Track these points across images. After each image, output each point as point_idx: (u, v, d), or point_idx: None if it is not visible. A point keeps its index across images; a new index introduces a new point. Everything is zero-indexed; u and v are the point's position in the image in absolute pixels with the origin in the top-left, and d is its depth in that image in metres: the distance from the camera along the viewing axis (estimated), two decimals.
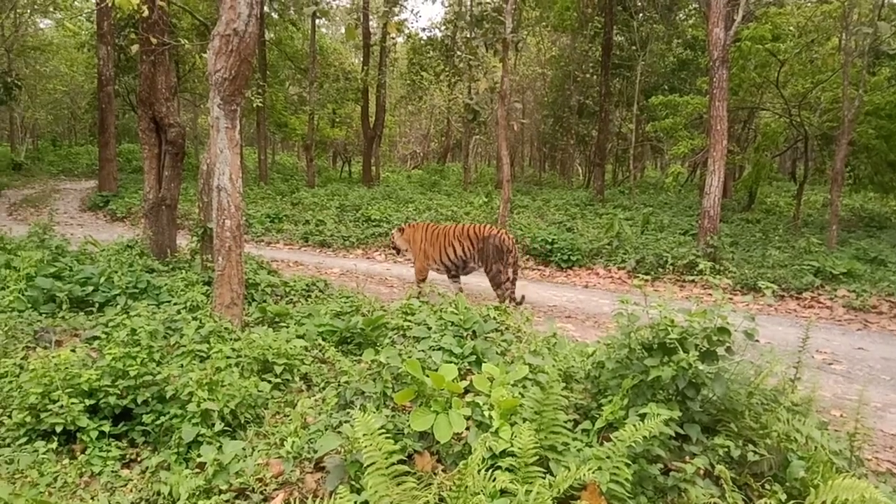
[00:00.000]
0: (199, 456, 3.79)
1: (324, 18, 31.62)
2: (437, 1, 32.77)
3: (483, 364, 4.51)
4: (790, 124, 17.09)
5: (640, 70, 23.28)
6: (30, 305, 6.36)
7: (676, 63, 27.49)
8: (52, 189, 26.78)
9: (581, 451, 3.48)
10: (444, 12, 38.76)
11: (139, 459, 4.02)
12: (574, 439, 3.63)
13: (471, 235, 9.34)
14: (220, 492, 3.52)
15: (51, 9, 30.02)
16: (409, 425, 3.69)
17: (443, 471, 3.61)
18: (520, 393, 4.03)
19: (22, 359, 4.89)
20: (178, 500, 3.45)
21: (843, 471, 3.46)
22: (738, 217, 18.59)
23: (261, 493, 3.56)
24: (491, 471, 3.25)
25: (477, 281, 10.36)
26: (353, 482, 3.48)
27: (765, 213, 20.00)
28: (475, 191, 24.98)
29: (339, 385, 4.60)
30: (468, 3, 28.16)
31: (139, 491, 3.69)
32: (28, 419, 4.04)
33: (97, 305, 6.58)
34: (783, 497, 3.25)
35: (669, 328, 3.69)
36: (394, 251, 10.67)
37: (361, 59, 29.67)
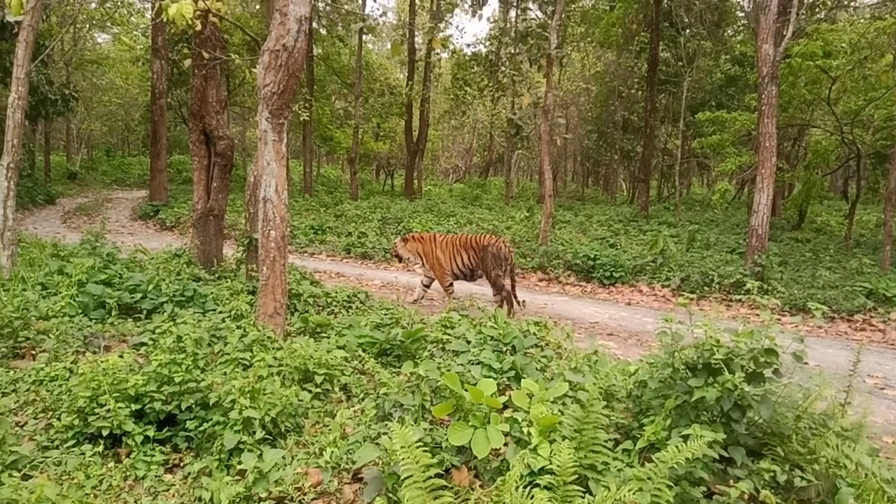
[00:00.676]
0: (239, 463, 3.85)
1: (370, 35, 32.09)
2: (483, 17, 32.90)
3: (522, 380, 4.49)
4: (842, 142, 16.65)
5: (687, 86, 22.99)
6: (80, 311, 6.53)
7: (724, 79, 27.08)
8: (104, 198, 27.63)
9: (621, 472, 3.42)
10: (489, 28, 38.96)
11: (182, 465, 4.09)
12: (614, 459, 3.57)
13: (473, 245, 9.87)
14: (260, 499, 3.56)
15: (108, 24, 31.16)
16: (446, 439, 3.68)
17: (480, 486, 3.59)
18: (559, 410, 3.99)
19: (72, 363, 5.03)
20: None
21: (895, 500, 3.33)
22: (787, 236, 18.15)
23: (299, 502, 3.59)
24: (529, 488, 3.22)
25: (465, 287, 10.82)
26: (391, 494, 3.49)
27: (815, 233, 19.49)
28: (517, 205, 24.93)
29: (377, 396, 4.62)
30: (513, 19, 28.25)
31: (181, 496, 3.75)
32: (76, 422, 4.15)
33: (145, 312, 6.73)
34: None
35: (715, 348, 3.61)
36: (396, 258, 11.17)
37: (406, 74, 29.97)
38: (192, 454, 4.20)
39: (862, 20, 18.36)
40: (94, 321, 6.34)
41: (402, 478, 3.24)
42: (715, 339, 3.66)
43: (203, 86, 9.33)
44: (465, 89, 30.14)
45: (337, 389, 5.04)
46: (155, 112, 22.55)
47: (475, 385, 4.00)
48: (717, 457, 3.36)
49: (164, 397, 4.32)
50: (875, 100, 15.50)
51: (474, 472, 3.73)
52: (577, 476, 3.28)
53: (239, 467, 3.83)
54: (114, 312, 6.48)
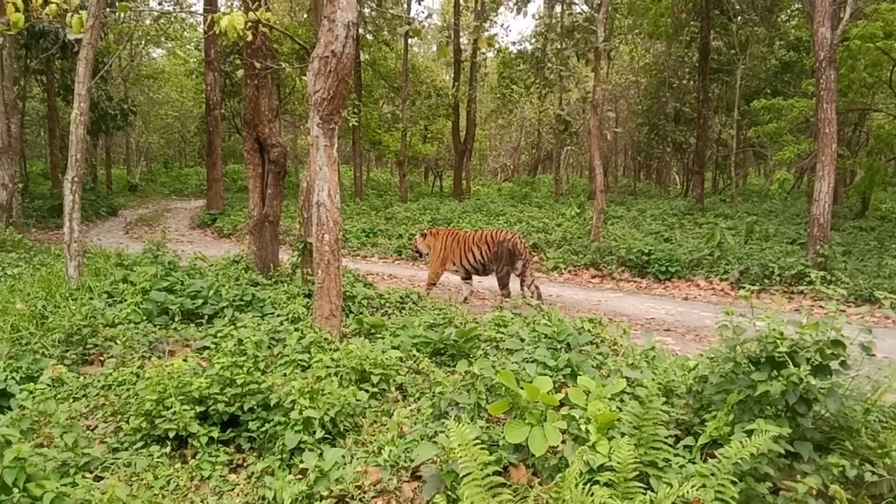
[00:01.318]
0: (301, 462, 3.92)
1: (416, 38, 32.31)
2: (528, 14, 32.79)
3: (578, 377, 4.44)
4: None
5: (741, 74, 22.41)
6: (145, 318, 6.74)
7: (779, 66, 26.30)
8: (164, 208, 28.52)
9: (683, 468, 3.36)
10: (535, 25, 38.72)
11: (245, 465, 4.19)
12: (675, 455, 3.50)
13: (488, 241, 10.18)
14: (322, 498, 3.62)
15: (162, 39, 32.16)
16: (503, 437, 3.67)
17: (539, 484, 3.57)
18: (617, 407, 3.94)
19: (138, 368, 5.20)
20: None
21: None
22: (850, 225, 17.51)
23: (360, 500, 3.64)
24: (589, 485, 3.19)
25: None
26: (449, 492, 3.50)
27: (879, 221, 18.74)
28: (567, 202, 24.70)
29: (433, 395, 4.64)
30: (558, 14, 28.03)
31: (245, 495, 3.84)
32: (144, 424, 4.28)
33: (206, 317, 6.91)
34: None
35: (779, 341, 3.51)
36: (417, 254, 11.50)
37: (452, 75, 30.05)
38: (254, 454, 4.29)
39: None
40: (158, 327, 6.53)
41: (460, 476, 3.24)
42: (778, 332, 3.55)
43: (256, 95, 9.54)
44: (511, 87, 30.07)
45: (393, 389, 5.08)
46: (210, 123, 23.16)
47: (531, 383, 3.98)
48: (783, 452, 3.26)
49: (226, 399, 4.44)
50: None
51: (532, 470, 3.71)
52: (637, 473, 3.24)
53: (300, 466, 3.90)
54: (177, 318, 6.68)
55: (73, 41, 9.00)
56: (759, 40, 25.44)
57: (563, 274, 13.88)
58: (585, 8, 25.80)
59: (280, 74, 10.84)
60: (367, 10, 25.59)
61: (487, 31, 28.18)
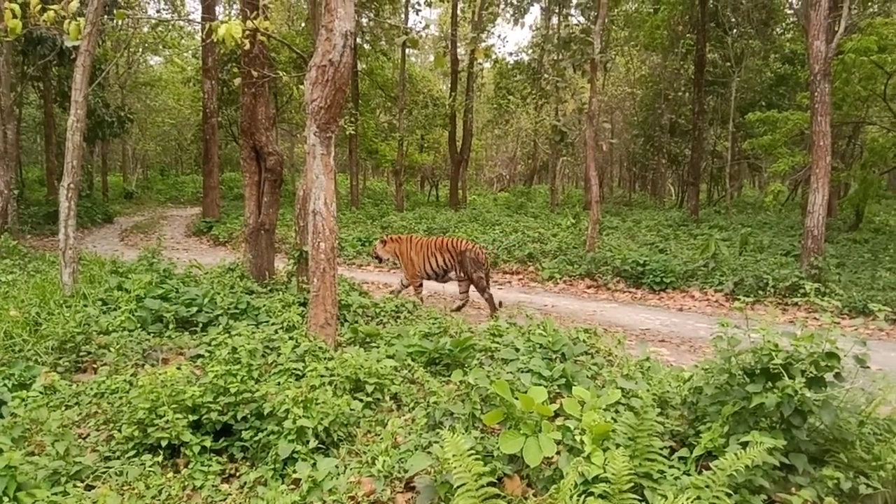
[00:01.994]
0: (294, 472, 3.89)
1: (413, 48, 32.43)
2: (525, 25, 32.97)
3: (573, 387, 4.43)
4: None
5: (736, 86, 22.53)
6: (139, 325, 6.71)
7: (774, 78, 26.46)
8: (160, 216, 28.45)
9: (678, 480, 3.35)
10: (531, 36, 38.88)
11: (238, 474, 4.16)
12: (670, 467, 3.50)
13: (450, 248, 10.38)
14: None
15: (160, 47, 32.22)
16: (498, 448, 3.66)
17: (533, 495, 3.56)
18: (612, 418, 3.93)
19: (131, 376, 5.17)
20: None
21: None
22: (844, 237, 17.57)
23: None
24: (583, 497, 3.17)
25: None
26: (443, 503, 3.48)
27: (873, 233, 18.81)
28: (562, 212, 24.74)
29: (428, 405, 4.63)
30: (555, 25, 28.19)
31: None
32: (136, 433, 4.25)
33: (201, 325, 6.89)
34: None
35: (773, 352, 3.51)
36: (377, 260, 11.59)
37: (449, 85, 30.15)
38: (247, 464, 4.27)
39: None
40: (152, 335, 6.51)
41: (454, 486, 3.23)
42: (773, 343, 3.56)
43: (253, 103, 9.54)
44: (508, 98, 30.18)
45: (387, 398, 5.07)
46: (206, 131, 23.16)
47: (525, 393, 3.97)
48: (778, 464, 3.26)
49: (220, 408, 4.41)
50: None
51: (527, 481, 3.70)
52: (632, 484, 3.23)
53: (293, 476, 3.87)
54: (171, 326, 6.66)
55: (71, 48, 9.01)
56: (755, 53, 25.63)
57: (558, 284, 13.88)
58: (582, 19, 25.99)
59: (277, 83, 10.87)
60: (364, 20, 25.68)
61: (484, 41, 28.33)
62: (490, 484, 3.26)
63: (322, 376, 4.87)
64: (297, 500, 3.61)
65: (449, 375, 5.39)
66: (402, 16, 28.77)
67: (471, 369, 4.98)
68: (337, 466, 3.98)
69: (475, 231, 18.74)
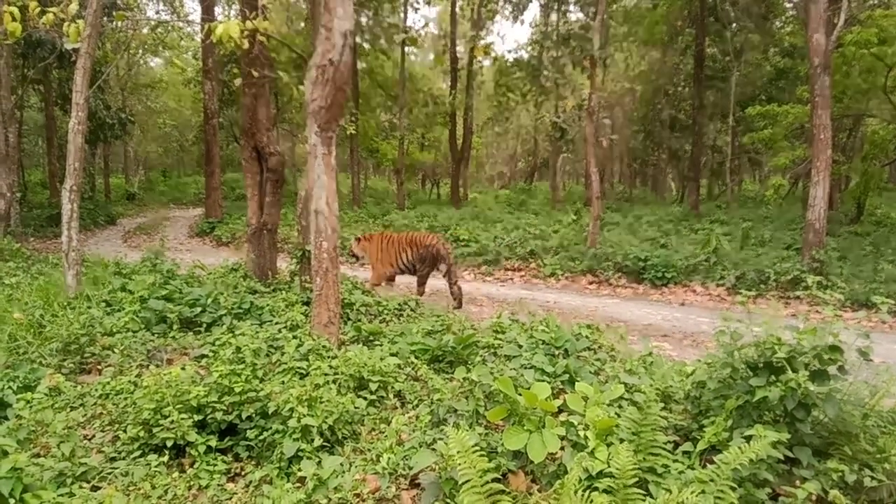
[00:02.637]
0: (299, 470, 3.91)
1: (413, 46, 32.41)
2: (524, 23, 32.94)
3: (576, 383, 4.45)
4: None
5: (735, 81, 22.50)
6: (143, 326, 6.73)
7: (774, 72, 26.39)
8: (162, 217, 28.47)
9: (682, 474, 3.36)
10: (531, 33, 38.86)
11: (243, 473, 4.17)
12: (674, 461, 3.51)
13: (416, 242, 10.63)
14: None
15: (160, 48, 32.22)
16: (502, 444, 3.67)
17: (538, 491, 3.57)
18: (616, 413, 3.95)
19: (136, 376, 5.18)
20: None
21: None
22: (845, 230, 17.54)
23: None
24: (588, 492, 3.18)
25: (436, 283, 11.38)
26: (448, 500, 3.50)
27: (875, 226, 18.77)
28: (563, 209, 24.74)
29: (431, 403, 4.64)
30: (554, 22, 28.16)
31: None
32: (141, 433, 4.26)
33: (205, 325, 6.89)
34: None
35: (776, 346, 3.52)
36: (353, 258, 11.77)
37: (449, 83, 30.13)
38: (252, 463, 4.28)
39: None
40: (156, 335, 6.52)
41: (459, 483, 3.24)
42: (776, 337, 3.57)
43: (253, 104, 9.55)
44: (507, 95, 30.16)
45: (391, 396, 5.08)
46: (208, 132, 23.16)
47: (529, 389, 3.98)
48: (782, 457, 3.27)
49: (225, 407, 4.42)
50: None
51: (531, 477, 3.71)
52: (636, 479, 3.23)
53: (299, 475, 3.89)
54: (175, 326, 6.66)
55: (71, 50, 9.00)
56: (754, 47, 25.58)
57: (560, 280, 13.89)
58: (581, 16, 25.95)
59: (278, 83, 10.88)
60: (364, 19, 25.68)
61: (484, 39, 28.31)
62: (494, 480, 3.27)
63: (326, 375, 4.89)
64: (303, 498, 3.62)
65: (452, 372, 5.40)
66: (402, 14, 28.72)
67: (474, 366, 4.99)
68: (342, 464, 3.99)
69: (477, 228, 18.74)
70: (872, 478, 3.22)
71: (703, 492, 3.08)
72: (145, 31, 30.17)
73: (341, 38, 5.81)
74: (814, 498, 3.20)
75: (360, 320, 7.56)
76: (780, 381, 3.42)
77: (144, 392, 4.43)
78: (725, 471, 3.10)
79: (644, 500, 3.14)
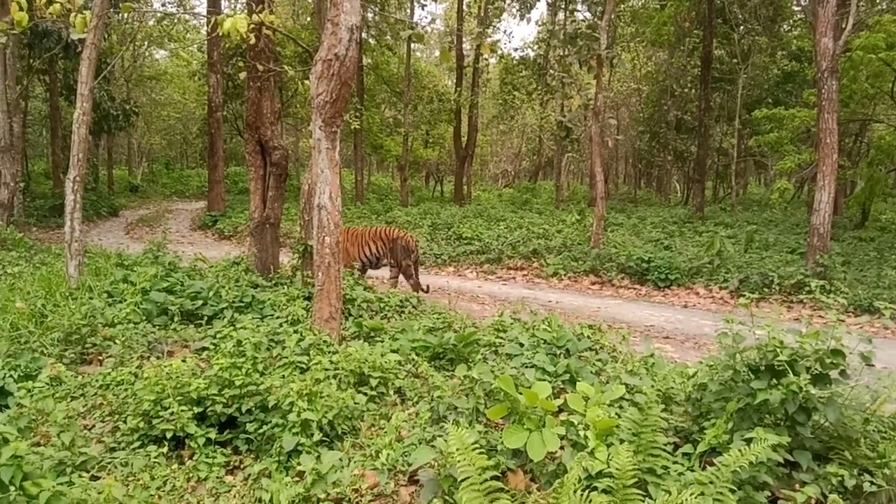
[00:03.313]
0: (298, 465, 3.91)
1: (419, 43, 32.37)
2: (530, 21, 32.90)
3: (577, 383, 4.44)
4: None
5: (742, 83, 22.46)
6: (144, 318, 6.73)
7: (781, 75, 26.35)
8: (165, 209, 28.50)
9: (682, 476, 3.36)
10: (537, 31, 38.81)
11: (242, 466, 4.18)
12: (674, 463, 3.50)
13: (382, 237, 11.07)
14: (319, 500, 3.61)
15: (166, 40, 32.23)
16: (501, 442, 3.67)
17: (537, 489, 3.56)
18: (616, 413, 3.94)
19: (137, 368, 5.20)
20: None
21: None
22: (849, 235, 17.51)
23: (357, 503, 3.63)
24: (587, 492, 3.18)
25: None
26: (447, 497, 3.49)
27: (879, 231, 18.74)
28: (567, 209, 24.70)
29: (431, 400, 4.64)
30: (561, 21, 28.10)
31: (242, 497, 3.84)
32: (141, 425, 4.28)
33: (206, 318, 6.90)
34: None
35: (778, 349, 3.51)
36: None
37: (454, 80, 30.10)
38: (251, 456, 4.28)
39: None
40: (157, 327, 6.53)
41: (458, 480, 3.24)
42: (778, 340, 3.56)
43: (258, 98, 9.54)
44: (513, 94, 30.11)
45: (391, 392, 5.08)
46: (212, 125, 23.17)
47: (529, 388, 3.98)
48: (782, 461, 3.27)
49: (224, 400, 4.43)
50: None
51: (530, 476, 3.70)
52: (636, 480, 3.23)
53: (298, 469, 3.89)
54: (176, 319, 6.67)
55: (77, 41, 9.00)
56: (762, 50, 25.51)
57: (562, 280, 13.87)
58: (588, 15, 25.89)
59: (283, 77, 10.85)
60: (370, 15, 25.64)
61: (490, 36, 28.24)
62: (494, 478, 3.26)
63: (326, 370, 4.88)
64: (301, 492, 3.62)
65: (453, 370, 5.40)
66: (408, 10, 28.73)
67: (475, 364, 4.99)
68: (341, 459, 4.00)
69: (480, 226, 18.71)
70: (872, 483, 3.22)
71: (702, 493, 3.07)
72: (151, 22, 30.19)
73: (347, 33, 5.80)
74: (813, 502, 3.20)
75: (361, 316, 7.56)
76: (782, 384, 3.41)
77: (145, 383, 4.45)
78: (725, 473, 3.10)
79: (643, 501, 3.13)
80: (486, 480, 3.20)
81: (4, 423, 3.61)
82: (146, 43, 33.09)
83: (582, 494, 3.12)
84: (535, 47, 30.22)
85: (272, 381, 4.58)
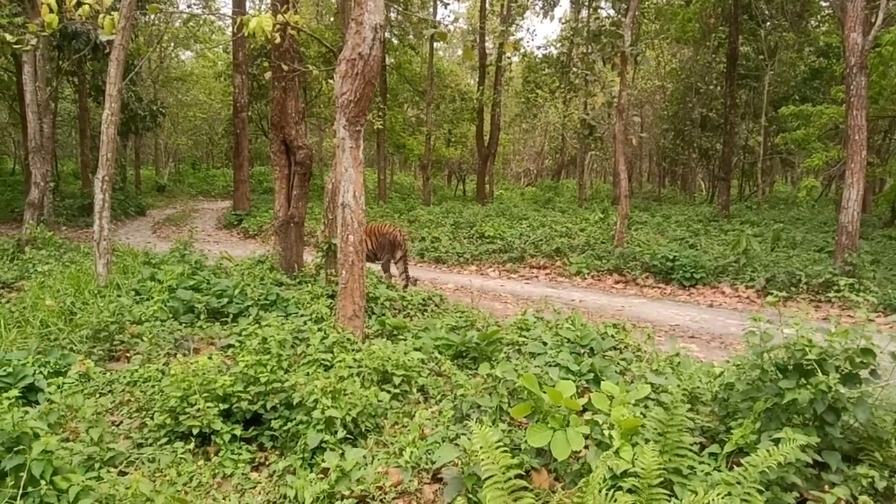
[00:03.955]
0: (322, 461, 3.93)
1: (442, 41, 32.35)
2: (554, 18, 32.76)
3: (602, 382, 4.40)
4: None
5: (769, 80, 22.13)
6: (171, 315, 6.83)
7: (808, 72, 25.92)
8: (191, 209, 28.83)
9: (709, 476, 3.32)
10: (561, 29, 38.62)
11: (267, 463, 4.21)
12: (700, 463, 3.46)
13: (375, 232, 11.18)
14: (343, 497, 3.63)
15: (192, 41, 32.58)
16: (525, 441, 3.65)
17: (561, 489, 3.54)
18: (641, 413, 3.90)
19: (164, 365, 5.26)
20: (303, 503, 3.58)
21: None
22: (879, 233, 17.19)
23: (381, 500, 3.64)
24: (612, 491, 3.15)
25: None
26: (471, 495, 3.49)
27: None
28: (590, 207, 24.56)
29: (455, 398, 4.64)
30: (584, 18, 27.93)
31: (267, 493, 3.86)
32: (168, 421, 4.33)
33: (231, 316, 6.98)
34: None
35: (807, 348, 3.45)
36: None
37: (477, 79, 30.05)
38: (276, 453, 4.32)
39: None
40: (184, 325, 6.61)
41: (482, 479, 3.23)
42: (807, 339, 3.50)
43: (283, 97, 9.61)
44: (536, 92, 29.98)
45: (415, 390, 5.09)
46: (237, 125, 23.38)
47: (553, 387, 3.95)
48: (811, 461, 3.21)
49: (250, 397, 4.47)
50: None
51: (554, 475, 3.69)
52: (661, 480, 3.20)
53: (322, 466, 3.91)
54: (202, 316, 6.75)
55: (105, 42, 9.13)
56: (789, 46, 25.13)
57: (585, 279, 13.80)
58: (612, 12, 25.70)
59: (307, 77, 10.91)
60: (393, 14, 25.71)
61: (513, 35, 28.14)
62: (518, 477, 3.25)
63: (350, 367, 4.90)
64: (326, 489, 3.64)
65: (476, 369, 5.39)
66: (431, 9, 28.71)
67: (498, 363, 4.97)
68: (365, 457, 4.01)
69: (502, 225, 18.66)
70: None
71: (729, 494, 3.03)
72: (177, 24, 30.54)
73: (371, 32, 5.82)
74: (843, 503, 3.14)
75: (384, 314, 7.59)
76: (811, 383, 3.36)
77: (172, 380, 4.50)
78: (753, 473, 3.05)
79: (669, 501, 3.10)
80: (510, 479, 3.19)
81: (35, 419, 3.67)
82: (172, 44, 33.53)
83: (607, 494, 3.10)
84: (559, 45, 30.06)
85: (297, 378, 4.61)
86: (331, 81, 6.59)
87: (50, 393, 4.63)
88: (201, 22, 30.20)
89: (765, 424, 3.49)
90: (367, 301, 6.93)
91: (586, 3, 27.29)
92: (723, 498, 2.97)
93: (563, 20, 30.56)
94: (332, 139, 7.13)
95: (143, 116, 25.25)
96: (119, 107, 8.79)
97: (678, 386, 4.06)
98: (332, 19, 29.18)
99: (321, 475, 3.86)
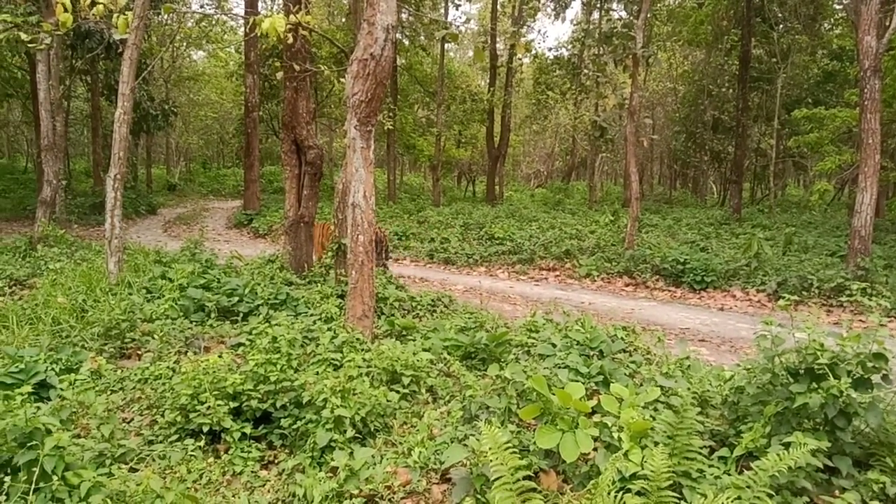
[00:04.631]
0: (331, 460, 3.94)
1: (453, 42, 32.37)
2: (565, 20, 32.73)
3: (611, 384, 4.40)
4: None
5: (781, 83, 22.01)
6: (182, 314, 6.86)
7: (821, 75, 25.78)
8: (201, 208, 28.97)
9: (718, 479, 3.30)
10: (572, 31, 38.55)
11: (276, 461, 4.23)
12: (710, 466, 3.45)
13: None
14: (351, 496, 3.64)
15: (204, 41, 32.75)
16: (534, 442, 3.65)
17: (570, 490, 3.54)
18: (651, 416, 3.89)
19: (174, 363, 5.29)
20: (312, 502, 3.59)
21: None
22: (892, 238, 17.04)
23: (389, 500, 3.65)
24: (621, 493, 3.15)
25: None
26: (479, 496, 3.49)
27: None
28: (601, 209, 24.49)
29: (463, 399, 4.64)
30: (596, 20, 27.89)
31: (276, 492, 3.88)
32: (179, 418, 4.35)
33: (241, 315, 7.00)
34: None
35: (819, 352, 3.43)
36: None
37: (488, 80, 30.05)
38: (286, 451, 4.33)
39: None
40: (194, 323, 6.64)
41: (490, 479, 3.23)
42: (818, 343, 3.48)
43: (294, 97, 9.65)
44: (546, 93, 29.95)
45: (423, 391, 5.09)
46: (248, 125, 23.47)
47: (563, 389, 3.95)
48: (821, 466, 3.19)
49: (260, 396, 4.49)
50: None
51: (563, 477, 3.68)
52: (671, 483, 3.19)
53: (331, 465, 3.92)
54: (213, 315, 6.78)
55: (119, 42, 9.20)
56: (802, 49, 25.00)
57: (595, 281, 13.76)
58: (624, 14, 25.65)
59: (318, 77, 10.95)
60: (404, 15, 25.74)
61: (524, 36, 28.15)
62: (526, 478, 3.25)
63: (359, 367, 4.92)
64: (335, 487, 3.65)
65: (485, 370, 5.39)
66: (442, 10, 28.75)
67: (507, 364, 4.97)
68: (373, 456, 4.02)
69: (512, 227, 18.64)
70: None
71: (738, 498, 3.02)
72: (190, 24, 30.70)
73: (383, 33, 5.83)
74: None
75: (393, 315, 7.60)
76: (822, 387, 3.34)
77: (182, 378, 4.52)
78: (763, 477, 3.04)
79: None
80: (519, 480, 3.19)
81: (47, 415, 3.70)
82: (185, 44, 33.68)
83: (616, 496, 3.09)
84: (570, 46, 30.00)
85: (306, 377, 4.62)
86: (342, 82, 6.62)
87: (62, 389, 4.66)
88: (214, 22, 30.34)
89: (775, 428, 3.48)
90: (376, 301, 6.94)
91: (598, 5, 27.27)
92: (732, 501, 2.96)
93: (575, 22, 30.54)
94: (342, 139, 7.16)
95: (155, 116, 25.42)
96: (131, 106, 8.85)
97: (688, 389, 4.05)
98: (343, 20, 29.28)
99: (330, 474, 3.87)
